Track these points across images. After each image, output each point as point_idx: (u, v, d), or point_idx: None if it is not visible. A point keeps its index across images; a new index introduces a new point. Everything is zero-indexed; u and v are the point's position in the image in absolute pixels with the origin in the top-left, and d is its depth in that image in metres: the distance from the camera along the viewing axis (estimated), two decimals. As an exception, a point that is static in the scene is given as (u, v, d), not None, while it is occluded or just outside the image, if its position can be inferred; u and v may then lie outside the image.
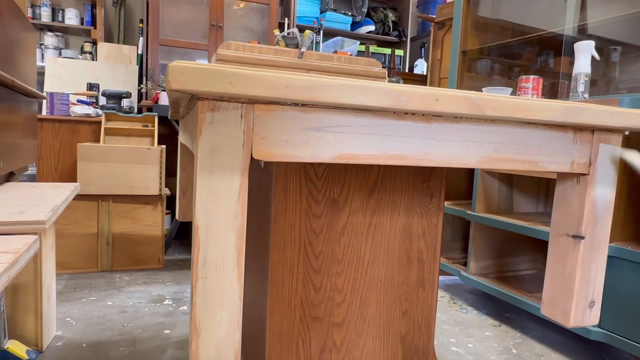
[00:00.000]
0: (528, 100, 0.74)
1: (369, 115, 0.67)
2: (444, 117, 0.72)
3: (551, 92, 2.34)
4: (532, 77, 1.83)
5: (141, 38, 3.32)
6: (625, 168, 1.53)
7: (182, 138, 1.49)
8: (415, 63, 3.88)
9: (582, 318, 0.88)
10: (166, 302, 2.01)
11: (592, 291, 0.89)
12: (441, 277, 2.53)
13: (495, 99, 0.71)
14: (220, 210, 0.61)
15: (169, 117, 1.53)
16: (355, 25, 3.85)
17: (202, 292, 0.61)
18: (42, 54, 3.37)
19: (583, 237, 0.86)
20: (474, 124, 0.74)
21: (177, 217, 1.87)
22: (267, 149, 0.63)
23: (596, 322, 0.90)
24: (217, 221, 0.61)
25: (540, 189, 2.22)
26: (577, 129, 0.83)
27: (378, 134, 0.68)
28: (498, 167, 0.78)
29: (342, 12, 3.72)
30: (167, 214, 2.52)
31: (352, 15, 3.77)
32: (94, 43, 3.43)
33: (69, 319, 1.78)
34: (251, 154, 0.62)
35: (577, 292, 0.87)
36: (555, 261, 0.91)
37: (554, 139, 0.82)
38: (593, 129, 0.85)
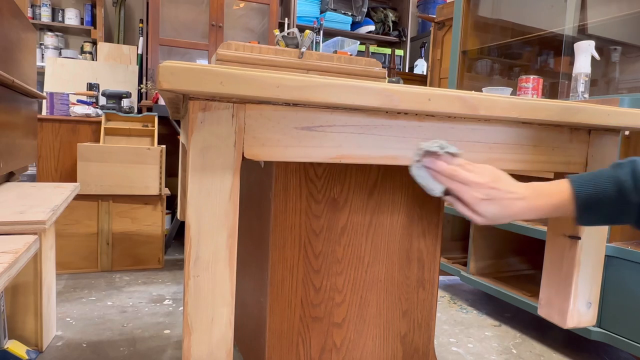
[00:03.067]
0: (522, 99, 0.74)
1: (361, 115, 0.67)
2: (437, 117, 0.72)
3: (551, 92, 2.34)
4: (532, 77, 1.83)
5: (141, 38, 3.32)
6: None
7: (182, 138, 1.49)
8: (415, 63, 3.88)
9: (579, 319, 0.88)
10: (166, 302, 2.01)
11: (588, 292, 0.88)
12: (441, 277, 2.53)
13: (489, 98, 0.71)
14: (211, 209, 0.61)
15: (170, 118, 1.53)
16: (355, 25, 3.85)
17: (193, 290, 0.61)
18: (42, 54, 3.37)
19: (579, 238, 0.86)
20: (467, 124, 0.74)
21: (178, 216, 1.87)
22: (258, 149, 0.63)
23: (593, 322, 0.90)
24: (209, 220, 0.61)
25: (540, 189, 2.22)
26: (573, 128, 0.83)
27: (370, 134, 0.68)
28: (492, 167, 0.78)
29: (342, 12, 3.72)
30: (167, 214, 2.52)
31: (352, 15, 3.77)
32: (94, 43, 3.43)
33: (69, 319, 1.78)
34: (243, 153, 0.62)
35: (574, 293, 0.87)
36: (552, 262, 0.91)
37: (550, 138, 0.81)
38: (589, 129, 0.85)
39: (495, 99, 0.72)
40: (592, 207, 0.65)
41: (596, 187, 0.65)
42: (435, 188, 0.68)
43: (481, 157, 0.76)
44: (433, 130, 0.72)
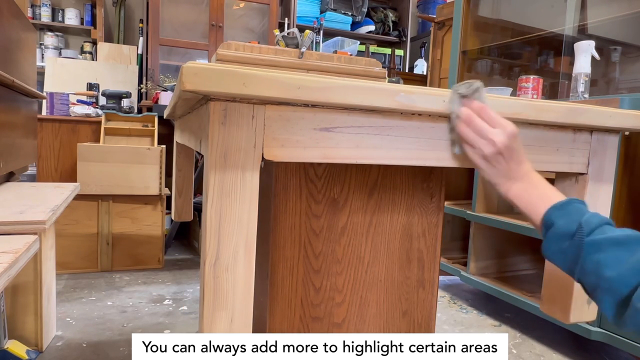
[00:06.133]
0: (530, 101, 0.74)
1: (377, 116, 0.68)
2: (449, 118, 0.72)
3: (551, 92, 2.34)
4: (532, 77, 1.83)
5: (141, 38, 3.32)
6: (626, 168, 1.53)
7: (179, 138, 1.49)
8: (415, 63, 3.88)
9: (581, 314, 0.89)
10: (166, 302, 2.01)
11: (590, 289, 0.89)
12: (441, 277, 2.53)
13: (499, 100, 0.72)
14: (231, 211, 0.61)
15: (164, 117, 1.53)
16: (355, 25, 3.85)
17: (213, 292, 0.61)
18: (42, 54, 3.37)
19: None
20: None
21: (172, 217, 1.86)
22: (278, 150, 0.63)
23: (594, 317, 0.91)
24: (229, 221, 0.61)
25: (540, 189, 2.22)
26: (577, 129, 0.83)
27: (386, 135, 0.69)
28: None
29: (342, 12, 3.72)
30: (167, 214, 2.52)
31: (352, 15, 3.77)
32: (94, 43, 3.43)
33: (69, 319, 1.78)
34: (262, 154, 0.62)
35: (575, 290, 0.87)
36: (555, 260, 0.91)
37: (554, 139, 0.82)
38: (592, 130, 0.85)
39: (506, 101, 0.72)
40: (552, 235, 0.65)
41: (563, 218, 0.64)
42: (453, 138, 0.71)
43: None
44: (445, 131, 0.72)
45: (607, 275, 0.58)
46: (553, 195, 0.68)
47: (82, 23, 3.47)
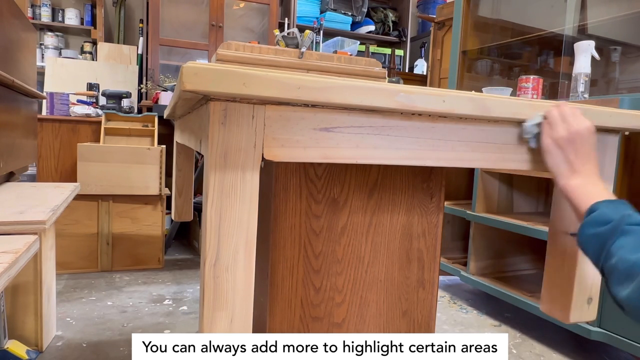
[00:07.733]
0: (531, 101, 0.75)
1: (377, 116, 0.68)
2: (449, 118, 0.72)
3: (551, 92, 2.34)
4: (532, 77, 1.83)
5: (141, 38, 3.32)
6: (625, 167, 1.53)
7: (179, 138, 1.49)
8: (415, 63, 3.87)
9: (581, 314, 0.89)
10: (166, 302, 2.01)
11: (589, 288, 0.89)
12: (441, 277, 2.53)
13: (500, 100, 0.72)
14: (231, 211, 0.61)
15: (164, 117, 1.53)
16: (355, 25, 3.85)
17: (213, 292, 0.61)
18: (42, 54, 3.36)
19: None
20: (478, 125, 0.75)
21: (172, 217, 1.86)
22: (278, 150, 0.63)
23: (594, 317, 0.91)
24: (229, 221, 0.61)
25: (540, 188, 2.22)
26: (577, 129, 0.84)
27: (386, 135, 0.69)
28: (501, 167, 0.79)
29: (342, 12, 3.72)
30: (167, 214, 2.52)
31: (352, 15, 3.77)
32: (94, 43, 3.43)
33: (69, 319, 1.78)
34: (262, 154, 0.62)
35: (575, 290, 0.87)
36: (554, 259, 0.91)
37: (554, 139, 0.82)
38: (592, 129, 0.85)
39: (506, 101, 0.72)
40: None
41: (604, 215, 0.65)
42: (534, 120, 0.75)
43: (492, 157, 0.77)
44: (445, 131, 0.72)
45: (628, 257, 0.57)
46: (608, 196, 0.68)
47: (82, 23, 3.47)
